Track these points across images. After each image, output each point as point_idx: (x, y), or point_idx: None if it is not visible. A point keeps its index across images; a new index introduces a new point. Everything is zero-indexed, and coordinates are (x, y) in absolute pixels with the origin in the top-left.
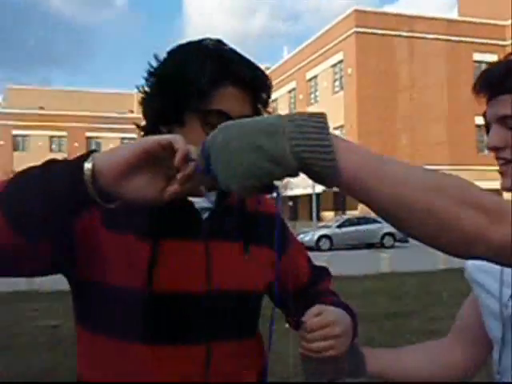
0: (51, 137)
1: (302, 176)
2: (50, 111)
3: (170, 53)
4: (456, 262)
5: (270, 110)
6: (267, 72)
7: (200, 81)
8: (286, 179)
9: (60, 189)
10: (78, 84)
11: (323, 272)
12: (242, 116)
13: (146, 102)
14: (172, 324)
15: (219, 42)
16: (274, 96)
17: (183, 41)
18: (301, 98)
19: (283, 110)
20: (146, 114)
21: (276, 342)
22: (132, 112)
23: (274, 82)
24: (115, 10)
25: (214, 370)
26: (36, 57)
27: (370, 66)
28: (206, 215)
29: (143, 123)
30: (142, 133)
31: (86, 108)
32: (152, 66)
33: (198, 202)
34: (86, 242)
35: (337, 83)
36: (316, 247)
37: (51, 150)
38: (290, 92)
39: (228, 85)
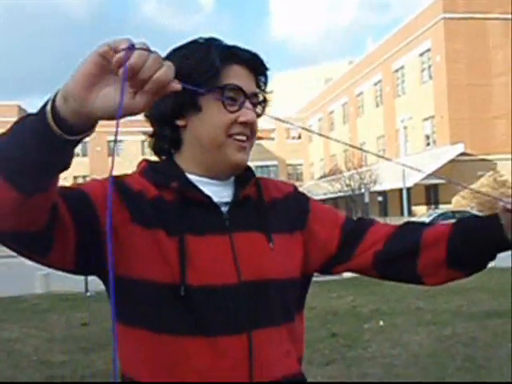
0: (143, 141)
1: (392, 170)
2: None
3: (170, 55)
4: None
5: (267, 91)
6: (352, 65)
7: (211, 62)
8: (375, 174)
9: (27, 128)
10: None
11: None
12: (252, 93)
13: (155, 107)
14: (209, 316)
15: (213, 37)
16: (359, 90)
17: (270, 38)
18: (387, 90)
19: (370, 103)
20: (154, 118)
21: (370, 341)
22: None
23: (359, 76)
24: (204, 14)
25: (258, 357)
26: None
27: (461, 53)
28: (225, 209)
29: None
30: (151, 139)
31: None
32: None
33: (217, 195)
34: (117, 236)
35: (425, 73)
36: None
37: (143, 154)
38: (375, 84)
39: (234, 64)
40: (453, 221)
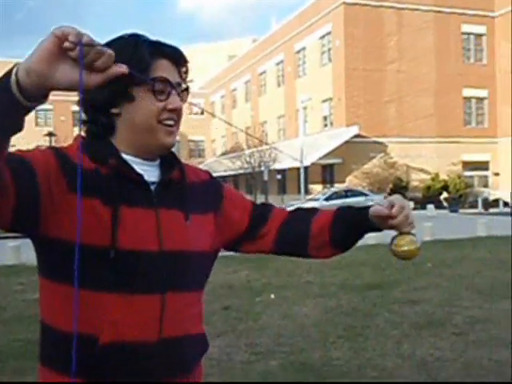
0: (37, 110)
1: (290, 149)
2: None
3: None
4: (442, 234)
5: (188, 80)
6: (255, 43)
7: (141, 57)
8: (274, 153)
9: None
10: None
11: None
12: (176, 83)
13: (90, 96)
14: (131, 276)
15: (137, 33)
16: (262, 68)
17: (179, 9)
18: (289, 71)
19: (272, 82)
20: (90, 106)
21: (261, 313)
22: None
23: (262, 54)
24: None
25: (167, 316)
26: (28, 28)
27: (359, 38)
28: (153, 187)
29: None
30: (84, 127)
31: None
32: None
33: (146, 174)
34: (53, 203)
35: (325, 55)
36: None
37: (37, 124)
38: (278, 64)
39: (161, 58)
40: (334, 208)
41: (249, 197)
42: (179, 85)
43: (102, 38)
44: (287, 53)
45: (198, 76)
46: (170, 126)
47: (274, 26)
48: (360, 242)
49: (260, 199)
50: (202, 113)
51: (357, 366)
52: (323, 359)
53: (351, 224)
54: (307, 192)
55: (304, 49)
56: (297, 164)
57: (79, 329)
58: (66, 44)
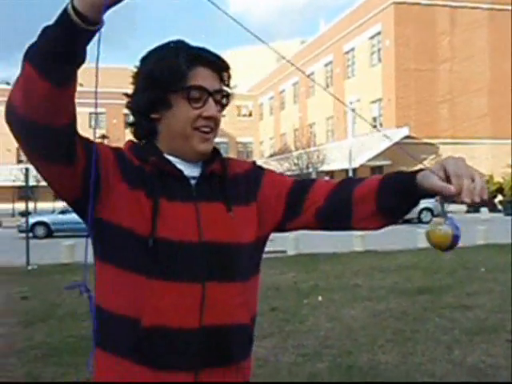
0: (90, 113)
1: (339, 151)
2: (89, 88)
3: (146, 57)
4: (496, 238)
5: (231, 85)
6: (304, 45)
7: (178, 66)
8: (322, 154)
9: (52, 25)
10: (120, 60)
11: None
12: (216, 90)
13: (134, 100)
14: (170, 264)
15: (182, 41)
16: (310, 70)
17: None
18: (337, 72)
19: (320, 83)
20: (134, 110)
21: (308, 315)
22: None
23: (310, 56)
24: None
25: (209, 305)
26: None
27: (409, 38)
28: (194, 182)
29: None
30: (133, 129)
31: (124, 85)
32: (135, 70)
33: (187, 171)
34: (108, 187)
35: (374, 56)
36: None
37: (90, 127)
38: (326, 65)
39: (199, 66)
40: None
41: None
42: (219, 91)
43: (153, 42)
44: (336, 54)
45: (247, 78)
46: (206, 132)
47: (323, 28)
48: (410, 246)
49: None
50: (251, 114)
51: (405, 370)
52: (371, 363)
53: (400, 191)
54: None
55: (353, 49)
56: (345, 165)
57: (124, 311)
58: None
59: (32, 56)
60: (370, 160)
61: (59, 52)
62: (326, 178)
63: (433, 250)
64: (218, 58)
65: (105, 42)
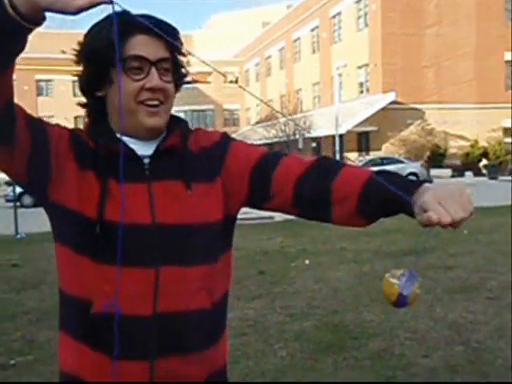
0: (74, 81)
1: (325, 117)
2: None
3: (86, 33)
4: (480, 201)
5: (184, 52)
6: (290, 9)
7: (110, 37)
8: (309, 121)
9: None
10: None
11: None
12: (160, 59)
13: (81, 81)
14: (122, 249)
15: (123, 11)
16: (296, 35)
17: None
18: (324, 37)
19: (306, 49)
20: (82, 91)
21: (295, 278)
22: None
23: (296, 21)
24: None
25: (163, 291)
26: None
27: (396, 2)
28: (147, 160)
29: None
30: (87, 111)
31: None
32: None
33: (142, 149)
34: (58, 170)
35: (361, 20)
36: None
37: (74, 95)
38: (312, 30)
39: (136, 34)
40: (366, 169)
41: None
42: (165, 60)
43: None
44: (322, 18)
45: (232, 44)
46: (153, 106)
47: None
48: None
49: None
50: (237, 81)
51: (389, 327)
52: (356, 321)
53: (388, 202)
54: (342, 160)
55: (339, 14)
56: (332, 132)
57: (78, 294)
58: None
59: None
60: (356, 126)
61: None
62: (314, 144)
63: None
64: (162, 22)
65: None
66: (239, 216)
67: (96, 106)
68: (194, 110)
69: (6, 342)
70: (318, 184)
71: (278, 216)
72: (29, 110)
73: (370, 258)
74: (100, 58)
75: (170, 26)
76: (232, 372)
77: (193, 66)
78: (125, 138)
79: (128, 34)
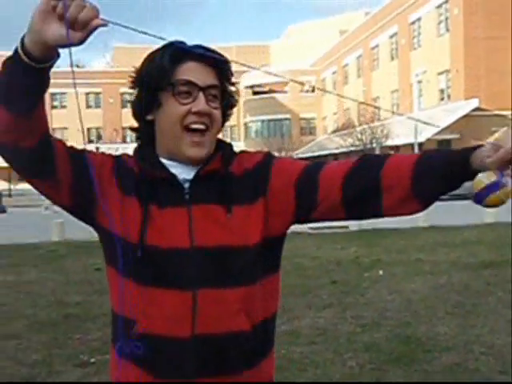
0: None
1: (404, 125)
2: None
3: (143, 60)
4: None
5: (233, 80)
6: (368, 17)
7: (164, 62)
8: (387, 129)
9: (9, 63)
10: (189, 38)
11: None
12: (208, 85)
13: (133, 105)
14: (160, 272)
15: (178, 40)
16: (374, 42)
17: None
18: (403, 43)
19: (385, 56)
20: (134, 115)
21: (368, 288)
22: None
23: (374, 28)
24: None
25: (201, 313)
26: (151, 12)
27: (479, 5)
28: (187, 185)
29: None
30: (137, 135)
31: None
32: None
33: (183, 174)
34: (102, 195)
35: (442, 25)
36: None
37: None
38: (391, 37)
39: (189, 61)
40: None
41: None
42: (213, 87)
43: (217, 18)
44: (401, 24)
45: (310, 53)
46: (198, 131)
47: None
48: (477, 221)
49: None
50: (313, 90)
51: (463, 341)
52: (429, 333)
53: (444, 172)
54: None
55: (419, 19)
56: (411, 140)
57: (123, 313)
58: (52, 2)
59: None
60: (436, 134)
61: (16, 85)
62: (391, 153)
63: (499, 225)
64: (213, 52)
65: (169, 17)
66: (314, 226)
67: (145, 130)
68: (271, 120)
69: (88, 341)
70: (366, 176)
71: (353, 225)
72: None
73: (448, 269)
74: (152, 84)
75: (221, 55)
76: (299, 380)
77: (270, 76)
78: (167, 162)
79: (179, 61)
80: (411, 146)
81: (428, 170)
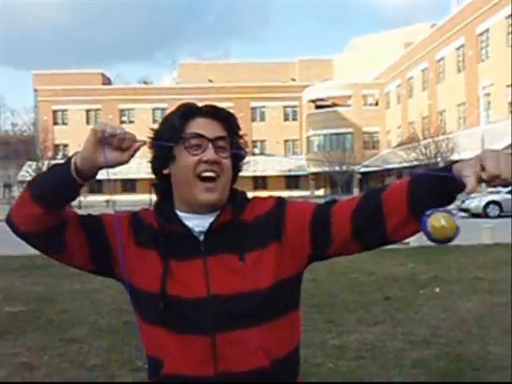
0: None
1: (470, 138)
2: (218, 83)
3: (159, 123)
4: None
5: (240, 133)
6: (433, 29)
7: (176, 120)
8: (452, 143)
9: (58, 174)
10: (254, 54)
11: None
12: (217, 137)
13: (152, 163)
14: (181, 319)
15: (184, 103)
16: (440, 55)
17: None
18: (470, 55)
19: (451, 68)
20: (154, 172)
21: (422, 305)
22: (294, 80)
23: (440, 40)
24: None
25: (221, 355)
26: (218, 30)
27: None
28: (202, 238)
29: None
30: (156, 190)
31: (252, 78)
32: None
33: (198, 226)
34: (124, 255)
35: (511, 36)
36: (483, 214)
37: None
38: (458, 49)
39: (198, 117)
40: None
41: None
42: (222, 138)
43: (286, 31)
44: (468, 36)
45: (373, 66)
46: (209, 179)
47: (455, 9)
48: None
49: None
50: (377, 103)
51: None
52: (480, 353)
53: (434, 187)
54: None
55: (487, 30)
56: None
57: (153, 355)
58: (99, 135)
59: (33, 185)
60: (506, 148)
61: (59, 193)
62: None
63: None
64: (214, 107)
65: (235, 35)
66: None
67: (163, 184)
68: (333, 134)
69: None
70: (370, 205)
71: (413, 241)
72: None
73: (507, 288)
74: (165, 139)
75: (227, 112)
76: None
77: (332, 89)
78: (182, 215)
79: (189, 117)
80: None
81: (420, 188)
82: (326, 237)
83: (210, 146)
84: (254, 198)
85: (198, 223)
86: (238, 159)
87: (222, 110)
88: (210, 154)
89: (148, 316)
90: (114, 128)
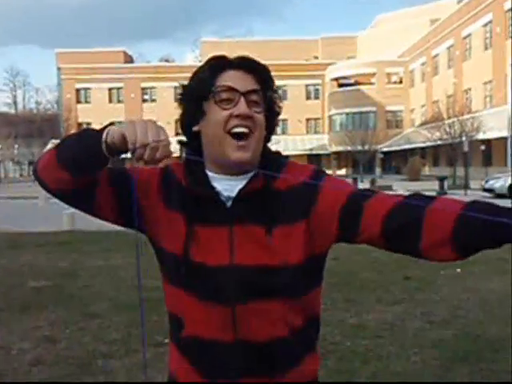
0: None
1: (497, 118)
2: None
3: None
4: None
5: (275, 89)
6: (460, 5)
7: (204, 74)
8: (477, 122)
9: (89, 143)
10: (277, 32)
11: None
12: (249, 90)
13: (181, 120)
14: (201, 285)
15: (213, 56)
16: (466, 31)
17: None
18: (498, 31)
19: (478, 45)
20: (182, 129)
21: (442, 285)
22: (316, 58)
23: (467, 16)
24: None
25: (240, 324)
26: (241, 7)
27: None
28: (229, 203)
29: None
30: (185, 148)
31: (274, 57)
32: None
33: (227, 190)
34: (150, 211)
35: None
36: (509, 194)
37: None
38: (485, 25)
39: (229, 70)
40: (463, 202)
41: (448, 170)
42: (254, 92)
43: (311, 11)
44: (496, 12)
45: (398, 44)
46: (241, 135)
47: None
48: None
49: (460, 172)
50: (401, 81)
51: None
52: (500, 334)
53: (487, 232)
54: None
55: None
56: (504, 134)
57: (174, 312)
58: (130, 147)
59: (61, 151)
60: None
61: (88, 163)
62: (482, 147)
63: None
64: (246, 59)
65: (258, 13)
66: None
67: (192, 142)
68: (356, 113)
69: (163, 323)
70: (410, 212)
71: None
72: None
73: None
74: (193, 94)
75: (260, 64)
76: (359, 371)
77: (356, 67)
78: (212, 175)
79: (220, 70)
80: (504, 139)
81: (473, 222)
82: (353, 230)
83: (242, 99)
84: (291, 162)
85: (227, 187)
86: (272, 115)
87: (255, 61)
88: (241, 107)
89: (171, 277)
90: (146, 134)
